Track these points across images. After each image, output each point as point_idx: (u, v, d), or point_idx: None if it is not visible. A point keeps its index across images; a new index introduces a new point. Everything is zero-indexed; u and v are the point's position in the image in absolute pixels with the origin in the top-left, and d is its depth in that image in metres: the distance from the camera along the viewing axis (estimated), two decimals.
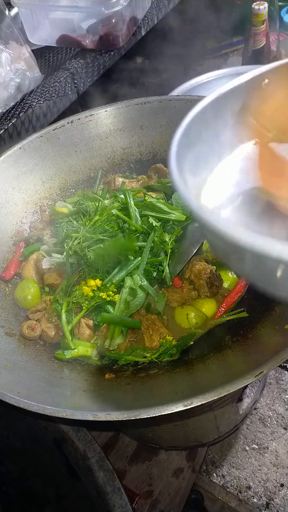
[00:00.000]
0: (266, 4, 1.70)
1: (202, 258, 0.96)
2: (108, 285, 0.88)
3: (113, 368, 0.84)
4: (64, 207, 1.11)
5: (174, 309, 0.92)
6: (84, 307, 0.88)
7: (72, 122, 1.16)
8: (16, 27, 1.23)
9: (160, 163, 1.19)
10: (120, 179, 1.17)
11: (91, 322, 0.90)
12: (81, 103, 1.41)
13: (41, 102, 1.25)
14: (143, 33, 1.55)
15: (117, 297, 0.88)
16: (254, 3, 1.71)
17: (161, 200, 0.97)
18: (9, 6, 1.29)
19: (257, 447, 1.29)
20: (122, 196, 1.00)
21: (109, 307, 0.89)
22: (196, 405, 0.61)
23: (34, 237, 1.06)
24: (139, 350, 0.86)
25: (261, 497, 1.21)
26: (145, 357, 0.84)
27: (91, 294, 0.87)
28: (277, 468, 1.25)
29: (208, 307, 0.92)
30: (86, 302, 0.88)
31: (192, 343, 0.87)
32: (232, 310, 0.91)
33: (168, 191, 1.08)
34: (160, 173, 1.18)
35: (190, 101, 1.13)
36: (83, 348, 0.86)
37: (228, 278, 0.96)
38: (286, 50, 1.84)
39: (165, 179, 1.12)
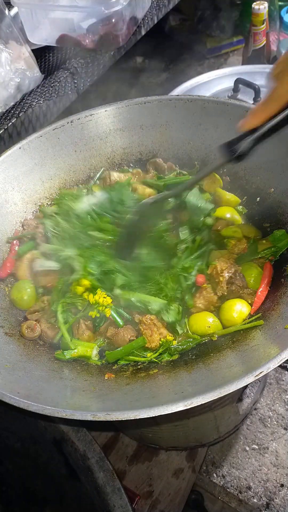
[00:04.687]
0: (266, 4, 1.71)
1: (231, 257, 0.94)
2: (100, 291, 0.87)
3: (113, 368, 0.83)
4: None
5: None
6: (79, 307, 0.88)
7: (72, 122, 1.16)
8: (16, 27, 1.23)
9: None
10: (115, 174, 1.16)
11: (90, 323, 0.90)
12: (81, 103, 1.41)
13: (41, 102, 1.25)
14: (143, 32, 1.55)
15: (109, 300, 0.87)
16: (254, 3, 1.71)
17: None
18: (9, 5, 1.29)
19: (257, 447, 1.29)
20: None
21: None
22: (196, 405, 0.61)
23: (28, 235, 1.06)
24: (139, 350, 0.86)
25: (261, 497, 1.21)
26: (145, 356, 0.84)
27: (85, 294, 0.87)
28: (277, 468, 1.25)
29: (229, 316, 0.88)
30: (80, 300, 0.87)
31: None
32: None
33: (163, 190, 1.08)
34: (159, 168, 1.18)
35: (190, 101, 1.13)
36: (83, 348, 0.85)
37: (253, 272, 0.92)
38: (286, 49, 1.84)
39: (168, 177, 1.11)
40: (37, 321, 0.91)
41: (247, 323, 0.84)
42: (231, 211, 1.06)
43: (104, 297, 0.86)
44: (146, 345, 0.85)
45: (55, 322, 0.90)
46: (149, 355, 0.84)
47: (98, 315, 0.86)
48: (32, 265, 1.00)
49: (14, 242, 1.05)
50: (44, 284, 0.96)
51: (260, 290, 0.89)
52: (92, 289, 0.87)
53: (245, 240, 0.98)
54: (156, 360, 0.83)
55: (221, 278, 0.89)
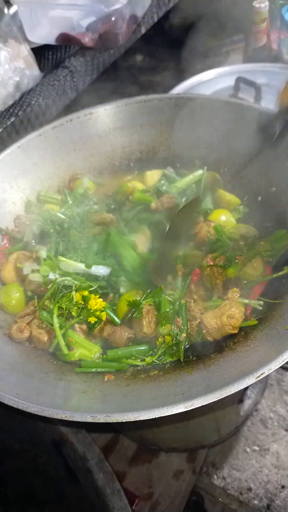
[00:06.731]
0: (267, 2, 1.70)
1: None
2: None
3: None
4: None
5: None
6: (73, 313, 0.87)
7: (71, 120, 1.15)
8: (15, 25, 1.23)
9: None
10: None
11: (85, 326, 0.88)
12: (81, 102, 1.40)
13: (40, 101, 1.24)
14: (143, 31, 1.54)
15: (103, 303, 0.86)
16: (255, 1, 1.70)
17: None
18: (8, 4, 1.28)
19: (258, 448, 1.28)
20: None
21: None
22: (196, 406, 0.60)
23: (20, 234, 1.04)
24: (138, 347, 0.84)
25: (262, 498, 1.20)
26: (144, 360, 0.82)
27: (81, 302, 0.86)
28: (278, 469, 1.24)
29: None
30: (76, 307, 0.86)
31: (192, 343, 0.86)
32: None
33: None
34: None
35: (190, 99, 1.13)
36: (84, 352, 0.83)
37: (251, 272, 0.92)
38: (287, 48, 1.83)
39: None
40: (28, 324, 0.89)
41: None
42: (226, 214, 1.05)
43: (98, 301, 0.86)
44: (144, 331, 0.84)
45: (46, 327, 0.88)
46: (149, 358, 0.82)
47: (96, 320, 0.86)
48: (19, 268, 0.97)
49: (5, 239, 1.04)
50: (33, 289, 0.94)
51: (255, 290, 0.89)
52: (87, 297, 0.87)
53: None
54: (157, 362, 0.82)
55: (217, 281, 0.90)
